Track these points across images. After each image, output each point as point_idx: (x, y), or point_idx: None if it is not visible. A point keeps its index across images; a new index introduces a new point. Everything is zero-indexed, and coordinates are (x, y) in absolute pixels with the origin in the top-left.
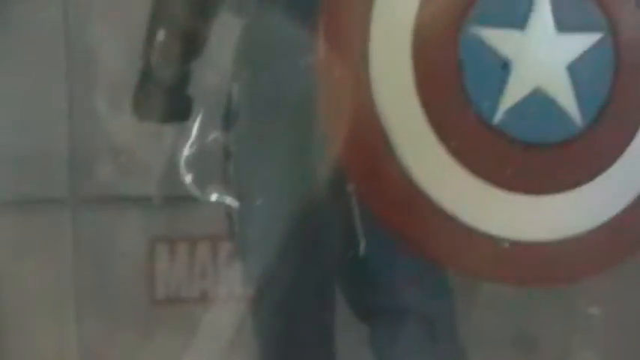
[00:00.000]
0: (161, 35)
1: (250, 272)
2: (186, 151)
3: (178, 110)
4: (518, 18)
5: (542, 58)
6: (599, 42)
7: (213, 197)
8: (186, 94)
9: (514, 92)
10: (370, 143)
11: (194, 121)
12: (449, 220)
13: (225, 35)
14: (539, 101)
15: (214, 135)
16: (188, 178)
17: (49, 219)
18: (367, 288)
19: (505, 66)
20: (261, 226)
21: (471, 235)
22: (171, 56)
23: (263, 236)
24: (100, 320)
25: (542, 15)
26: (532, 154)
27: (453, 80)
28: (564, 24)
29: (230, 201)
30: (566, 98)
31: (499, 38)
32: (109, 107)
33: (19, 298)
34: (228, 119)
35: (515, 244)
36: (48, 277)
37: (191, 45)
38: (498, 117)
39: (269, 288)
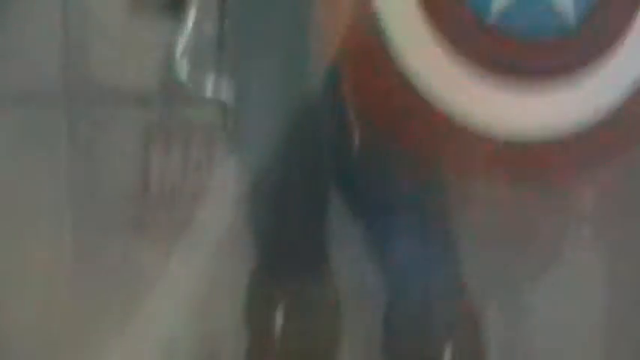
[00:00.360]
0: None
1: (245, 167)
2: (181, 44)
3: (172, 1)
4: None
5: None
6: None
7: (209, 92)
8: None
9: None
10: (366, 40)
11: (189, 12)
12: (444, 117)
13: None
14: (532, 0)
15: (209, 26)
16: (183, 73)
17: (45, 116)
18: (361, 182)
19: None
20: (256, 120)
21: (465, 132)
22: None
23: (258, 131)
24: (94, 216)
25: None
26: (526, 52)
27: None
28: None
29: (225, 95)
30: None
31: None
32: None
33: (13, 195)
34: (223, 10)
35: (510, 143)
36: (42, 174)
37: None
38: (493, 16)
39: (263, 183)
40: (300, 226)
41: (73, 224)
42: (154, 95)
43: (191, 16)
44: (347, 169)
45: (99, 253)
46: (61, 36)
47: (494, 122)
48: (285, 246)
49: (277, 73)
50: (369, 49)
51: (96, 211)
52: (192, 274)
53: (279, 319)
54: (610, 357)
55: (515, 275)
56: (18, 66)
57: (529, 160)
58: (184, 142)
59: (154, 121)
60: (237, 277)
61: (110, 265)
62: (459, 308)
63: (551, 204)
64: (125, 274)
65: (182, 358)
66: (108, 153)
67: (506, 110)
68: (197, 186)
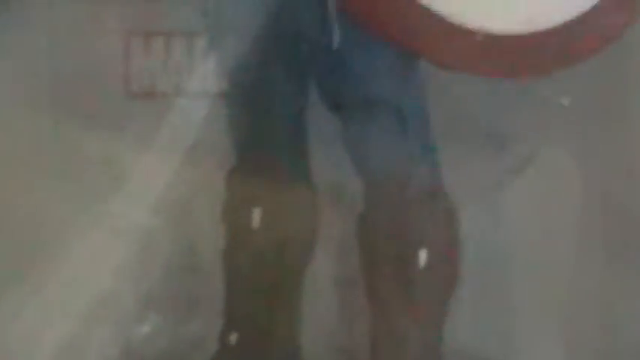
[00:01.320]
0: None
1: (224, 65)
2: None
3: None
4: None
5: None
6: None
7: None
8: None
9: None
10: None
11: None
12: (424, 10)
13: None
14: None
15: None
16: None
17: (24, 14)
18: (340, 79)
19: None
20: (236, 17)
21: (445, 26)
22: None
23: (237, 28)
24: (75, 114)
25: None
26: None
27: None
28: None
29: None
30: None
31: None
32: None
33: None
34: None
35: (489, 36)
36: (24, 72)
37: None
38: None
39: (242, 80)
40: (280, 123)
41: (53, 119)
42: None
43: None
44: (326, 63)
45: (80, 147)
46: None
47: (473, 15)
48: (264, 144)
49: None
50: None
51: (77, 106)
52: (171, 175)
53: (256, 217)
54: (583, 253)
55: (491, 176)
56: None
57: (507, 53)
58: (165, 43)
59: (135, 19)
60: (215, 178)
61: (90, 164)
62: (435, 210)
63: (526, 101)
64: (105, 174)
65: (163, 255)
66: (89, 52)
67: (484, 3)
68: (177, 84)
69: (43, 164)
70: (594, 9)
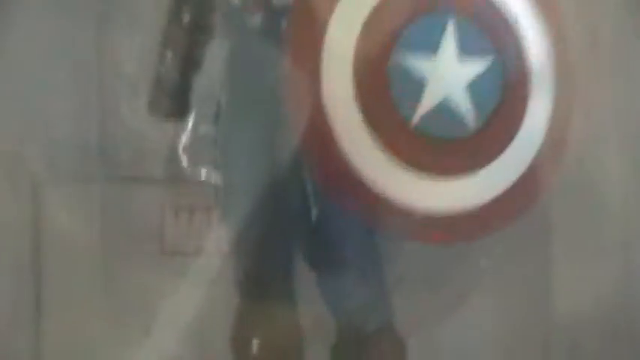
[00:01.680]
0: (168, 56)
1: (231, 233)
2: (183, 140)
3: (179, 109)
4: (431, 46)
5: (449, 77)
6: (492, 64)
7: (204, 176)
8: (185, 98)
9: (427, 102)
10: (321, 136)
11: (189, 117)
12: (378, 195)
13: (216, 54)
14: (445, 109)
15: (205, 128)
16: (185, 161)
17: (84, 192)
18: (316, 245)
19: (421, 83)
20: (239, 197)
21: (394, 206)
22: (175, 71)
23: (240, 205)
24: (121, 267)
25: (449, 44)
26: (440, 148)
27: (383, 92)
28: (466, 50)
29: (216, 179)
30: (465, 107)
31: (417, 62)
32: (128, 106)
33: (59, 255)
34: (216, 117)
35: (428, 214)
36: (82, 235)
37: (190, 63)
38: (416, 119)
39: (244, 245)
40: (274, 277)
41: (105, 269)
42: (164, 177)
43: (191, 119)
44: (307, 234)
45: (125, 290)
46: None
47: (415, 198)
48: (262, 290)
49: (255, 162)
50: (320, 135)
51: (123, 261)
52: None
53: (255, 347)
54: None
55: (431, 315)
56: None
57: (441, 227)
58: (189, 211)
59: (166, 197)
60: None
61: (131, 289)
62: (389, 343)
63: (458, 259)
64: (142, 298)
65: None
66: (132, 219)
67: (423, 192)
68: (197, 246)
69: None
70: (509, 190)
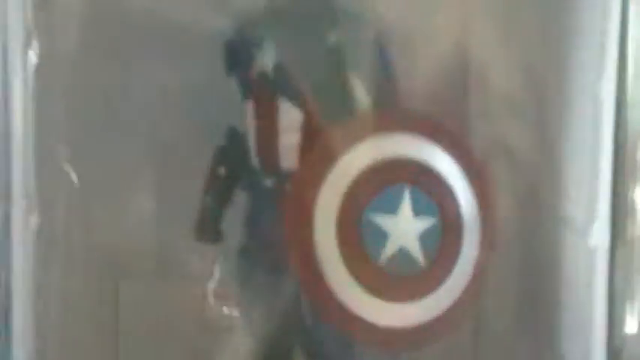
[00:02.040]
0: (208, 201)
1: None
2: (216, 271)
3: (215, 237)
4: (393, 208)
5: (406, 230)
6: (435, 221)
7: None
8: (219, 230)
9: (390, 248)
10: (313, 275)
11: (216, 261)
12: (356, 317)
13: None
14: (403, 253)
15: (230, 267)
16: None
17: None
18: (316, 356)
19: (385, 235)
20: (254, 318)
21: (366, 324)
22: (214, 212)
23: (257, 327)
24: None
25: (406, 206)
26: (399, 281)
27: (358, 242)
28: (418, 211)
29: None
30: (417, 252)
31: (383, 219)
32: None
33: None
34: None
35: (389, 328)
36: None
37: (223, 208)
38: (382, 261)
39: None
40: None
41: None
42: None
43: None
44: (305, 347)
45: None
46: None
47: (381, 317)
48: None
49: (267, 300)
50: (314, 281)
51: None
52: None
53: None
54: None
55: None
56: None
57: (398, 339)
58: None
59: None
60: None
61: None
62: None
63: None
64: None
65: None
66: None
67: (386, 313)
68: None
69: None
70: (448, 309)
